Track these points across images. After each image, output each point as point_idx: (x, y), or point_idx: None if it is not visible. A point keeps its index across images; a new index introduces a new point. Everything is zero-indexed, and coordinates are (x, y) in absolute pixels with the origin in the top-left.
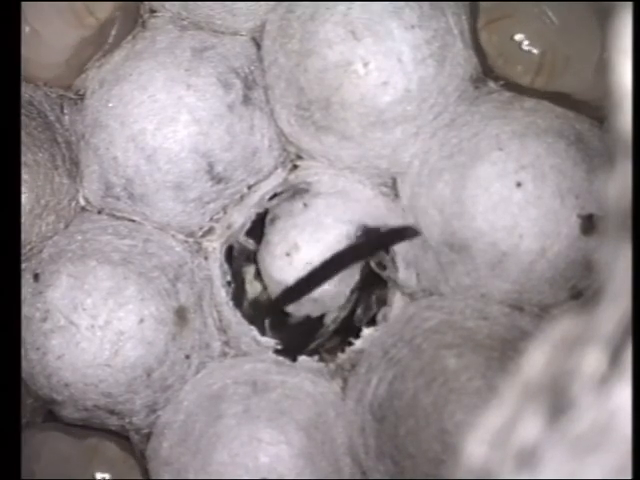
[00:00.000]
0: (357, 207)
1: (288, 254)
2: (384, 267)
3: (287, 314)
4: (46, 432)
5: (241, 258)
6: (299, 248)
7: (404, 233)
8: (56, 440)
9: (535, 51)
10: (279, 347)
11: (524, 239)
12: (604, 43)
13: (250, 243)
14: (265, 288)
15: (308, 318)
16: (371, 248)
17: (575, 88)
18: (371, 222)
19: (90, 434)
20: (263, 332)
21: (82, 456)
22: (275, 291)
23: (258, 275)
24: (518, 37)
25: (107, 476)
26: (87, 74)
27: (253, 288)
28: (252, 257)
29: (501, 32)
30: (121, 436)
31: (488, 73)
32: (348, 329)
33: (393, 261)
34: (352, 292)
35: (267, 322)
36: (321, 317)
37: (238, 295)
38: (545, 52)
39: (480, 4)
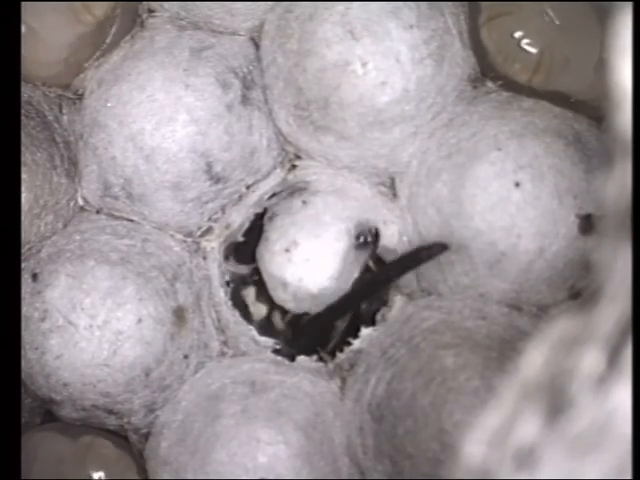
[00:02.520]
0: (355, 205)
1: (287, 250)
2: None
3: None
4: (42, 432)
5: (237, 283)
6: (298, 244)
7: (430, 251)
8: (51, 440)
9: (534, 49)
10: (278, 347)
11: (522, 239)
12: (604, 43)
13: (241, 268)
14: (271, 309)
15: (320, 321)
16: (397, 273)
17: (574, 88)
18: (372, 219)
19: (85, 432)
20: (278, 346)
21: (76, 454)
22: (274, 287)
23: (260, 296)
24: (518, 35)
25: (102, 475)
26: (86, 74)
27: (257, 309)
28: (248, 280)
29: (501, 29)
30: (119, 436)
31: (487, 72)
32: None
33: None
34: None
35: (279, 340)
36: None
37: (245, 319)
38: (544, 51)
39: (480, 2)
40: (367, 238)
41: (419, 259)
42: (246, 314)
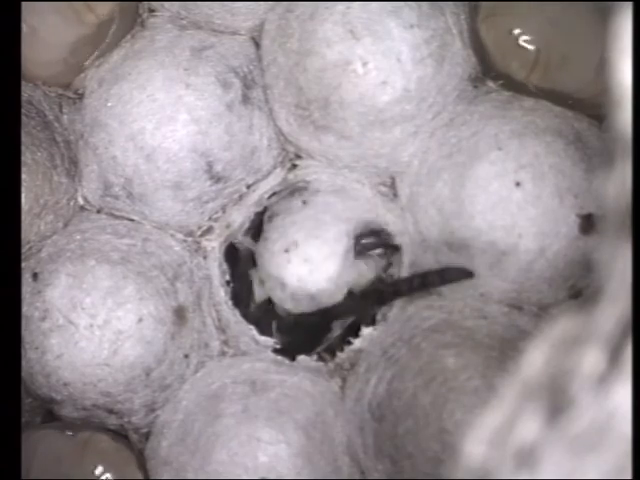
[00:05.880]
0: (356, 205)
1: (287, 250)
2: (388, 266)
3: (294, 317)
4: (41, 431)
5: (247, 260)
6: (298, 245)
7: (454, 274)
8: (50, 438)
9: (531, 47)
10: (279, 347)
11: (523, 238)
12: (604, 42)
13: (254, 245)
14: None
15: (316, 322)
16: (418, 287)
17: (573, 86)
18: (372, 220)
19: (83, 428)
20: (270, 334)
21: (75, 451)
22: (273, 287)
23: None
24: (515, 32)
25: (101, 469)
26: (86, 73)
27: (261, 291)
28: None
29: (499, 26)
30: (120, 435)
31: (488, 71)
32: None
33: (399, 260)
34: (361, 298)
35: (274, 324)
36: (328, 321)
37: (246, 297)
38: (541, 48)
39: (481, 2)
40: (371, 240)
41: (434, 281)
42: (249, 292)
